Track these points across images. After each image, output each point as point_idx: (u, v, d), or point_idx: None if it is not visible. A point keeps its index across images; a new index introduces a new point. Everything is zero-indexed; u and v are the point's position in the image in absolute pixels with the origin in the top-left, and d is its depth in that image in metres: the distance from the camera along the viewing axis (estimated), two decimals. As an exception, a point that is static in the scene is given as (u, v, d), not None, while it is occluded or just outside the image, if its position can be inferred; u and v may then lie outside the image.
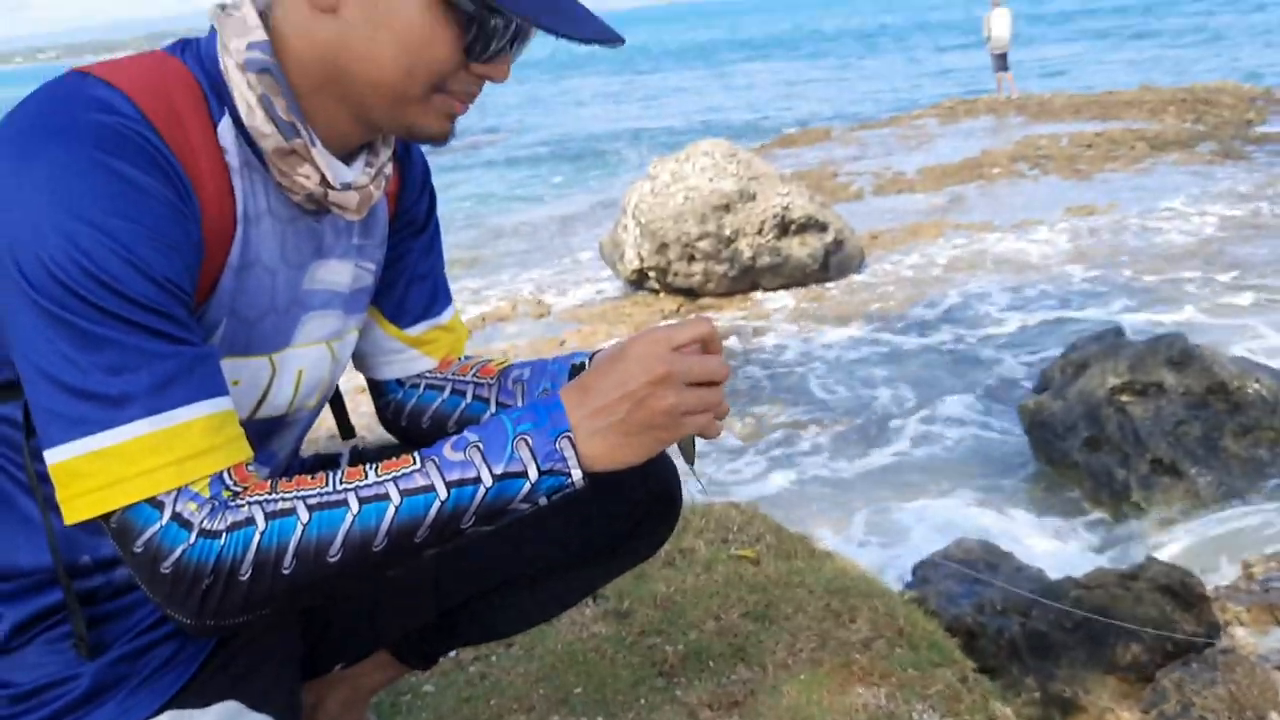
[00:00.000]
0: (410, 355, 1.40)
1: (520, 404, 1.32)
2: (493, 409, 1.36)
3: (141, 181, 0.94)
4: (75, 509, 0.94)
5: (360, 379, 1.46)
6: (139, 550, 0.93)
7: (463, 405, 1.38)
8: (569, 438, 1.02)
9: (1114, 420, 4.71)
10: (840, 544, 4.20)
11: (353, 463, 1.46)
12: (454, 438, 1.03)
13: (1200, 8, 42.20)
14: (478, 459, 1.01)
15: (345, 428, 1.47)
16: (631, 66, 46.50)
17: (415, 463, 1.01)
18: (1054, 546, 4.36)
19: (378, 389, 1.44)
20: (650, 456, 1.05)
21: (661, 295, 8.64)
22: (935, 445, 5.43)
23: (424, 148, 1.31)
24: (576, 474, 1.02)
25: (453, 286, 1.50)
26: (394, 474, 1.00)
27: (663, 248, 8.41)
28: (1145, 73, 21.71)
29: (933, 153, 14.53)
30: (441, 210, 1.45)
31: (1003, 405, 5.82)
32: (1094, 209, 10.17)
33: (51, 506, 1.02)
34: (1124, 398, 4.75)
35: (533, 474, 1.01)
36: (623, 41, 1.08)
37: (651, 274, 8.63)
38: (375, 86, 1.05)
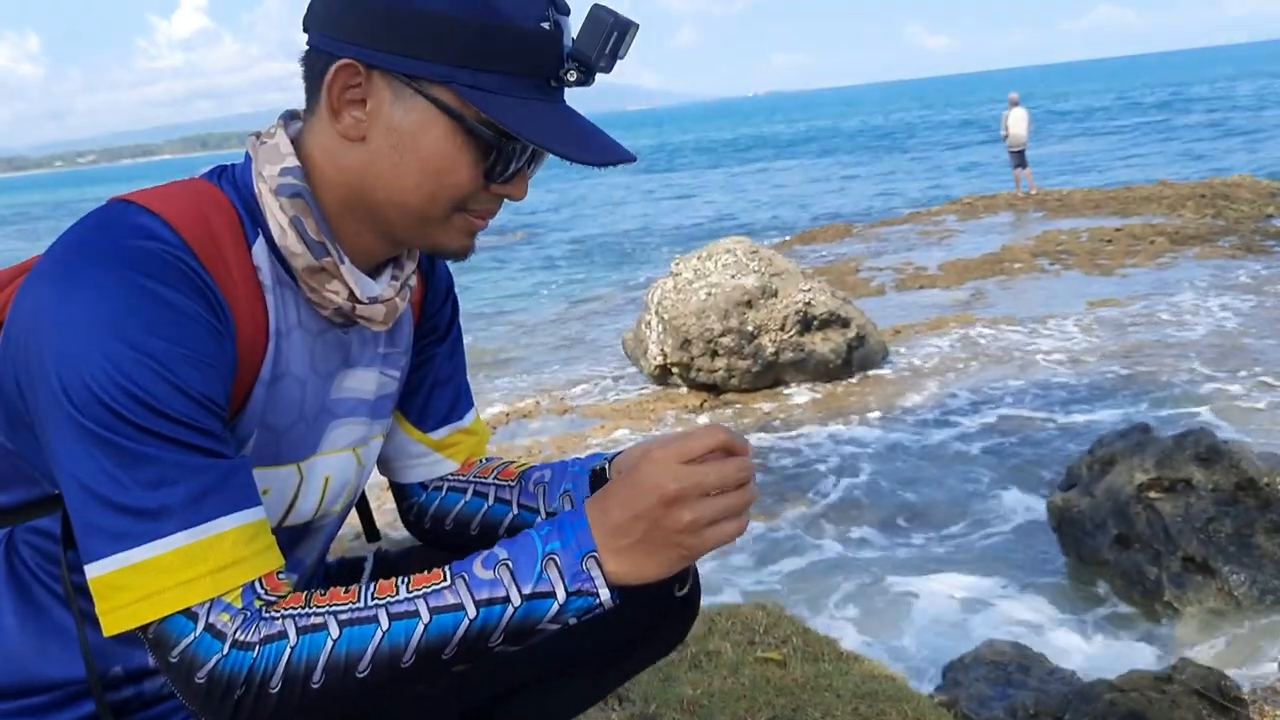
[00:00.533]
0: (434, 459, 1.44)
1: (542, 507, 1.36)
2: (514, 511, 1.38)
3: (180, 303, 0.98)
4: (115, 621, 0.96)
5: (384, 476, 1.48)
6: (174, 660, 0.96)
7: (485, 508, 1.40)
8: (595, 557, 1.03)
9: (1143, 517, 4.66)
10: (865, 643, 4.14)
11: (377, 566, 1.49)
12: (484, 554, 1.04)
13: (1221, 105, 42.68)
14: (506, 578, 1.02)
15: (370, 531, 1.50)
16: (655, 165, 47.28)
17: (445, 579, 1.02)
18: (1086, 646, 4.28)
19: (401, 492, 1.47)
20: (676, 571, 1.05)
21: (685, 391, 8.66)
22: (961, 541, 5.38)
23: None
24: (604, 594, 1.03)
25: (476, 384, 1.53)
26: (424, 590, 1.02)
27: (686, 344, 8.46)
28: (1162, 168, 21.92)
29: (953, 248, 14.64)
30: (466, 308, 1.49)
31: (1028, 501, 5.77)
32: (1115, 303, 10.20)
33: (88, 618, 1.04)
34: (1152, 494, 4.71)
35: (561, 595, 1.02)
36: (635, 159, 1.12)
37: (675, 370, 8.67)
38: (400, 208, 1.10)
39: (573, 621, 1.04)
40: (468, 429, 1.46)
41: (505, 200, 1.15)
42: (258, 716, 0.97)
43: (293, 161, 1.11)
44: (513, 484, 1.40)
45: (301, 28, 1.12)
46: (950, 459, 6.58)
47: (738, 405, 8.21)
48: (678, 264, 9.03)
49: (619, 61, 1.09)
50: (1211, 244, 12.61)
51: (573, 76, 1.08)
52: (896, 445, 6.94)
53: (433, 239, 1.14)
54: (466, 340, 1.52)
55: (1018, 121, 18.67)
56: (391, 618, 1.00)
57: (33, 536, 1.09)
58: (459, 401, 1.45)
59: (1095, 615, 4.53)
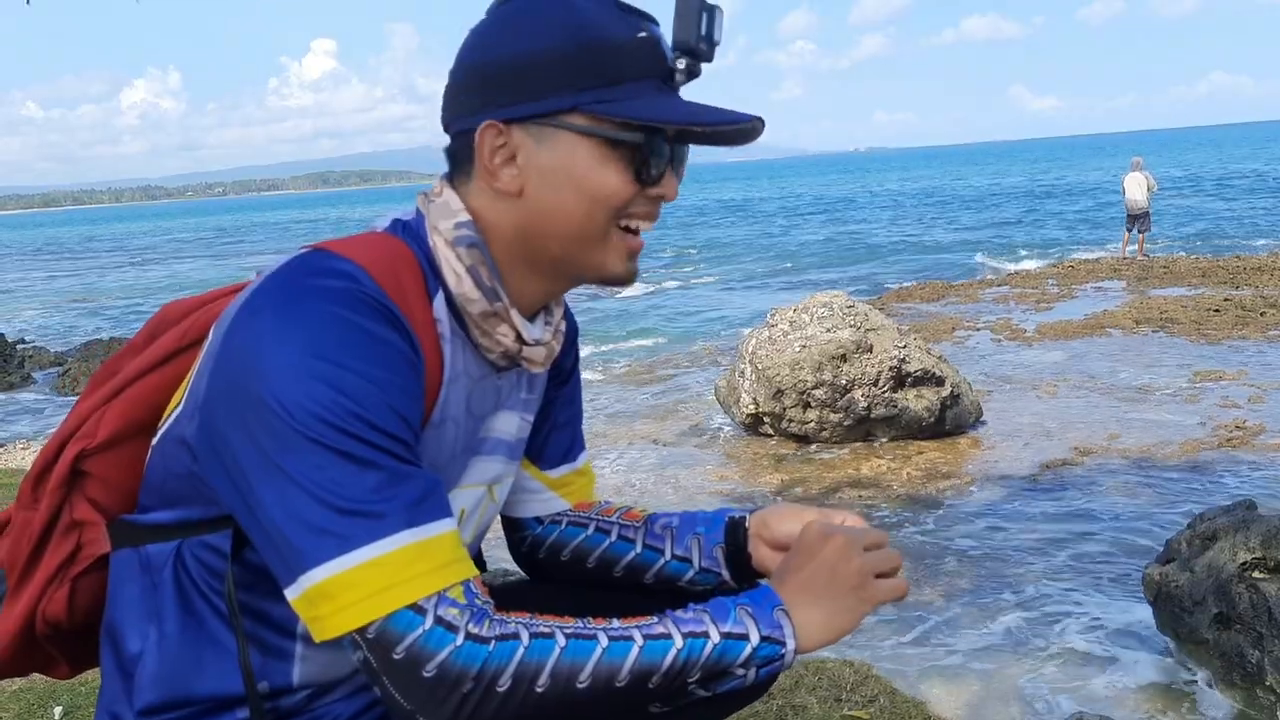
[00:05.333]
0: (548, 496, 1.52)
1: (668, 548, 1.44)
2: (638, 550, 1.46)
3: (385, 336, 1.07)
4: (339, 622, 1.01)
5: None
6: (399, 656, 0.99)
7: (606, 543, 1.47)
8: (783, 610, 1.14)
9: (1246, 598, 4.51)
10: (953, 708, 4.08)
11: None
12: (683, 608, 1.15)
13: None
14: (707, 620, 1.12)
15: (479, 562, 1.57)
16: (746, 217, 47.32)
17: (654, 618, 1.12)
18: (1180, 727, 4.16)
19: (515, 525, 1.55)
20: (859, 622, 1.15)
21: (774, 440, 8.65)
22: (1051, 610, 5.27)
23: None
24: (790, 644, 1.13)
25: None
26: (637, 624, 1.10)
27: (778, 394, 8.46)
28: (1276, 238, 21.28)
29: (1053, 310, 14.39)
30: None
31: (1124, 573, 5.63)
32: (1221, 375, 9.91)
33: (250, 636, 1.12)
34: (1256, 575, 4.56)
35: (754, 638, 1.11)
36: (763, 123, 1.16)
37: (766, 419, 8.67)
38: (564, 237, 1.18)
39: (754, 672, 1.12)
40: (580, 470, 1.54)
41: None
42: (477, 717, 1.00)
43: (465, 216, 1.19)
44: (637, 525, 1.47)
45: (443, 128, 1.22)
46: (1042, 525, 6.45)
47: (826, 456, 8.17)
48: (773, 315, 9.06)
49: (715, 48, 1.16)
50: (1326, 318, 12.20)
51: (682, 64, 1.15)
52: (987, 508, 6.84)
53: (597, 262, 1.21)
54: None
55: (1135, 186, 18.40)
56: (610, 638, 1.07)
57: (202, 551, 1.16)
58: (574, 444, 1.53)
59: (1191, 695, 4.40)
